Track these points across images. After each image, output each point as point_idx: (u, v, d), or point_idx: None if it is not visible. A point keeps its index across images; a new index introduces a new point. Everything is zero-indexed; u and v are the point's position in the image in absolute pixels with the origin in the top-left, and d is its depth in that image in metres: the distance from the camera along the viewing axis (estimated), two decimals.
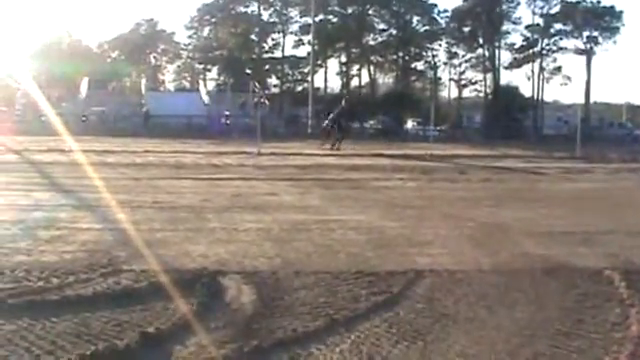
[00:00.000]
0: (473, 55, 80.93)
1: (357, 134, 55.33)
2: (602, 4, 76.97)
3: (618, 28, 76.96)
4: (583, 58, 78.19)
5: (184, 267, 7.33)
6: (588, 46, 77.46)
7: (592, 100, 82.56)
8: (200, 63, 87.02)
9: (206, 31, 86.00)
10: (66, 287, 6.42)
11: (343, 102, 37.64)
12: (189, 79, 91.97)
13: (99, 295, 6.23)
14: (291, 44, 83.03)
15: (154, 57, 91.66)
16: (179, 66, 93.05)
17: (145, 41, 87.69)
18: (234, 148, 29.42)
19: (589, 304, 6.46)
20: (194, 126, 52.70)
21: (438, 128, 56.06)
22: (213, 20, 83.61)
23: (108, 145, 29.82)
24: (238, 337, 5.29)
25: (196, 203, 12.48)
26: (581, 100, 75.74)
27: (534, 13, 77.40)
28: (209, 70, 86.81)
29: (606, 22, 76.83)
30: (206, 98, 68.23)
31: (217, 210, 11.65)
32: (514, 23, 78.25)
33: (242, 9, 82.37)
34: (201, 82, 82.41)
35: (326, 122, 36.82)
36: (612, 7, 76.86)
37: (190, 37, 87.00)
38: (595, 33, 77.32)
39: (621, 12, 76.84)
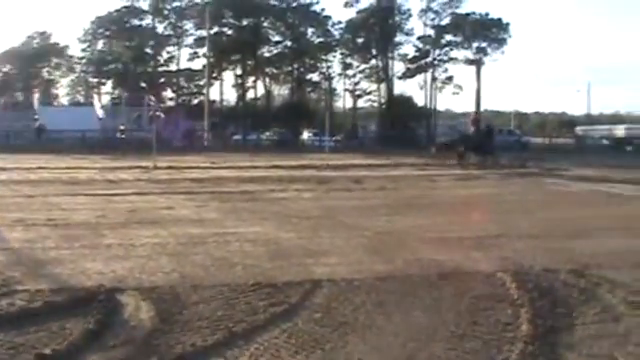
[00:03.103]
0: (367, 66, 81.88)
1: (253, 146, 55.39)
2: (490, 16, 79.24)
3: (505, 39, 79.37)
4: (473, 68, 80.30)
5: (81, 285, 7.19)
6: (477, 56, 79.52)
7: (482, 108, 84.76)
8: (94, 77, 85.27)
9: (100, 44, 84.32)
10: None
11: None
12: (83, 93, 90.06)
13: None
14: (186, 57, 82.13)
15: (47, 71, 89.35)
16: (73, 80, 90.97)
17: (38, 55, 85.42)
18: (129, 162, 28.99)
19: (482, 306, 6.64)
20: (88, 141, 51.68)
21: (334, 138, 56.44)
22: (107, 33, 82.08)
23: (0, 162, 28.93)
24: (137, 354, 5.24)
25: (92, 219, 12.25)
26: (472, 108, 77.74)
27: (425, 25, 79.03)
28: (103, 84, 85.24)
29: (494, 33, 79.06)
30: (100, 112, 66.98)
31: (113, 226, 11.46)
32: (406, 34, 79.67)
33: (136, 22, 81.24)
34: (95, 96, 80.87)
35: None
36: (499, 19, 79.21)
37: (84, 50, 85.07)
38: (484, 44, 79.44)
39: (508, 24, 79.31)
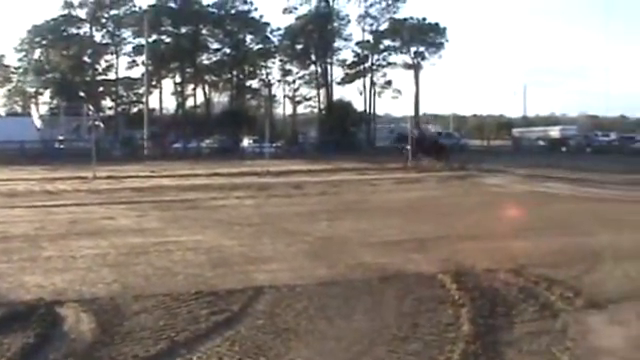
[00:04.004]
0: (306, 72, 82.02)
1: (194, 154, 55.11)
2: (427, 21, 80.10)
3: (442, 44, 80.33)
4: (411, 72, 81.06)
5: (19, 299, 7.08)
6: (415, 61, 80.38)
7: (421, 112, 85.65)
8: (32, 87, 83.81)
9: (37, 53, 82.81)
10: None
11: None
12: (21, 103, 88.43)
13: None
14: (125, 65, 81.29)
15: None
16: (10, 90, 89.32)
17: None
18: (69, 173, 28.53)
19: (424, 308, 6.72)
20: (27, 152, 50.74)
21: (274, 145, 56.35)
22: (44, 42, 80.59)
23: None
24: None
25: (30, 232, 12.04)
26: (411, 112, 78.51)
27: (364, 30, 79.49)
28: (41, 94, 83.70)
29: (431, 38, 79.97)
30: (39, 122, 65.85)
31: (52, 238, 11.29)
32: (345, 40, 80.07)
33: (74, 30, 79.98)
34: (33, 106, 79.51)
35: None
36: (437, 24, 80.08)
37: (21, 60, 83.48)
38: (422, 48, 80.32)
39: (445, 29, 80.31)
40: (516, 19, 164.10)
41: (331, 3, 77.60)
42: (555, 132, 67.18)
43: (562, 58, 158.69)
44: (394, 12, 78.73)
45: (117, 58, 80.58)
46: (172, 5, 77.15)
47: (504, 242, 10.60)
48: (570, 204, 16.73)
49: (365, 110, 78.93)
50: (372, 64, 79.90)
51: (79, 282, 7.87)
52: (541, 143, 65.83)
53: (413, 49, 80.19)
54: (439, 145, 39.38)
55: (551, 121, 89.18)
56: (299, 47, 79.22)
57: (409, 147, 36.30)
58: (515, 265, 8.54)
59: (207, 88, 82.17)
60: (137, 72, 79.10)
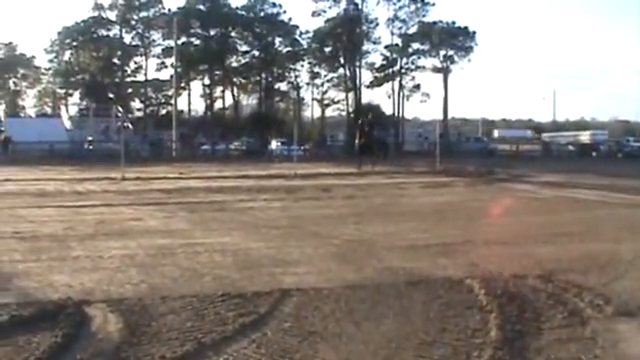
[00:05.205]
0: (335, 75, 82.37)
1: (222, 156, 55.28)
2: (456, 25, 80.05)
3: (472, 47, 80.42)
4: (440, 76, 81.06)
5: (48, 298, 7.10)
6: (444, 64, 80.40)
7: (450, 116, 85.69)
8: (61, 88, 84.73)
9: (67, 55, 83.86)
10: None
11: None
12: (50, 104, 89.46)
13: None
14: (154, 67, 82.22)
15: (13, 82, 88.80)
16: (40, 91, 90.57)
17: (4, 65, 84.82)
18: (98, 174, 28.73)
19: (451, 313, 6.66)
20: (56, 152, 51.25)
21: (302, 147, 56.48)
22: (74, 44, 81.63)
23: None
24: None
25: (59, 231, 12.10)
26: (440, 116, 78.44)
27: (393, 33, 79.71)
28: (71, 95, 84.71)
29: (461, 42, 79.99)
30: (68, 123, 66.49)
31: (81, 238, 11.33)
32: (374, 43, 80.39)
33: (104, 32, 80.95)
34: (63, 107, 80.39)
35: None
36: (466, 28, 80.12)
37: (51, 61, 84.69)
38: (451, 52, 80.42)
39: (474, 32, 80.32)
40: (545, 23, 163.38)
41: (360, 6, 77.76)
42: (585, 137, 66.96)
43: (591, 62, 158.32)
44: (423, 15, 78.96)
45: (146, 60, 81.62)
46: (201, 7, 77.77)
47: (532, 247, 10.51)
48: (600, 210, 16.56)
49: (393, 114, 78.99)
50: (401, 67, 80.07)
51: (107, 282, 7.89)
52: (571, 148, 65.48)
53: (442, 53, 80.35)
54: (380, 144, 39.02)
55: (581, 125, 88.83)
56: (328, 50, 79.57)
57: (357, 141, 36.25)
58: (544, 271, 8.45)
59: (236, 90, 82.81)
60: (166, 74, 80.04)
